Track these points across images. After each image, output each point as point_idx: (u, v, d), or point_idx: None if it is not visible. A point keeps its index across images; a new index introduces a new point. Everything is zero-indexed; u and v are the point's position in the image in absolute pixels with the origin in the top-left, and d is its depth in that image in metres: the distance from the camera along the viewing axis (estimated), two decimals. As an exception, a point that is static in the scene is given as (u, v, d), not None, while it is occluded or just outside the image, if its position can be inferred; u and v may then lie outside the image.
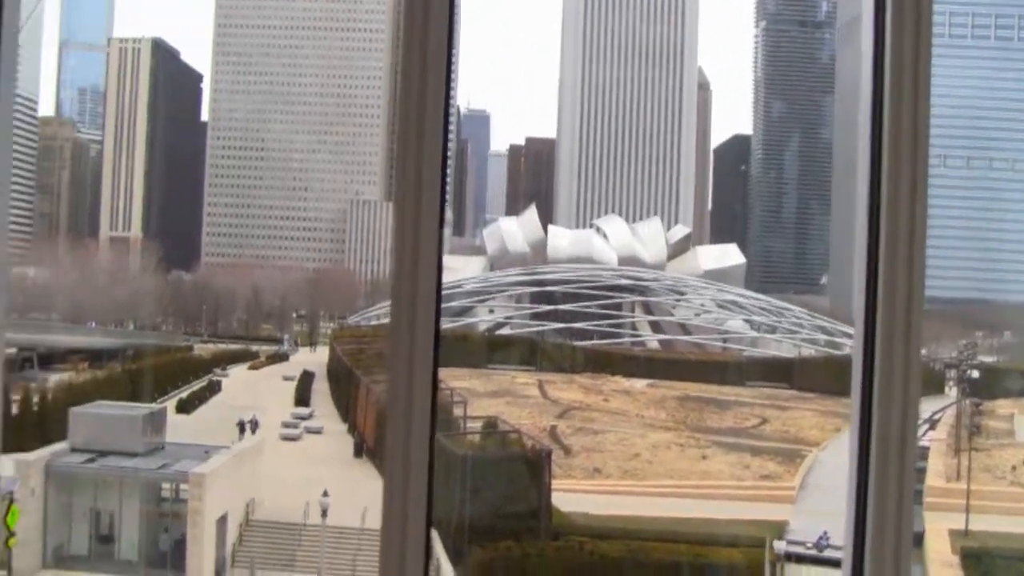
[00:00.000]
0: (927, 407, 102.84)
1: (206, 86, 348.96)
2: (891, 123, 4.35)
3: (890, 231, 4.40)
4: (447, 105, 3.53)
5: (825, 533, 59.38)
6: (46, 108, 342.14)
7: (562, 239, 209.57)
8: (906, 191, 4.36)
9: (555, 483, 63.81)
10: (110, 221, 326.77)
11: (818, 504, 68.36)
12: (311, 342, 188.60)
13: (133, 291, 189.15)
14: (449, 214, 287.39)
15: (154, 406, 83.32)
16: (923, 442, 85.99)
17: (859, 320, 4.71)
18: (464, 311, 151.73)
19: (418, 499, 3.51)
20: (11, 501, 53.98)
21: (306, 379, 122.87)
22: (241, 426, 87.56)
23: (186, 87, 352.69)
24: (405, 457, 3.52)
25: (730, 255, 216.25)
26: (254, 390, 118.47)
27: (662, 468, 79.97)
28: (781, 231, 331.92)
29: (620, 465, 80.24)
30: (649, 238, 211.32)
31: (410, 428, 3.53)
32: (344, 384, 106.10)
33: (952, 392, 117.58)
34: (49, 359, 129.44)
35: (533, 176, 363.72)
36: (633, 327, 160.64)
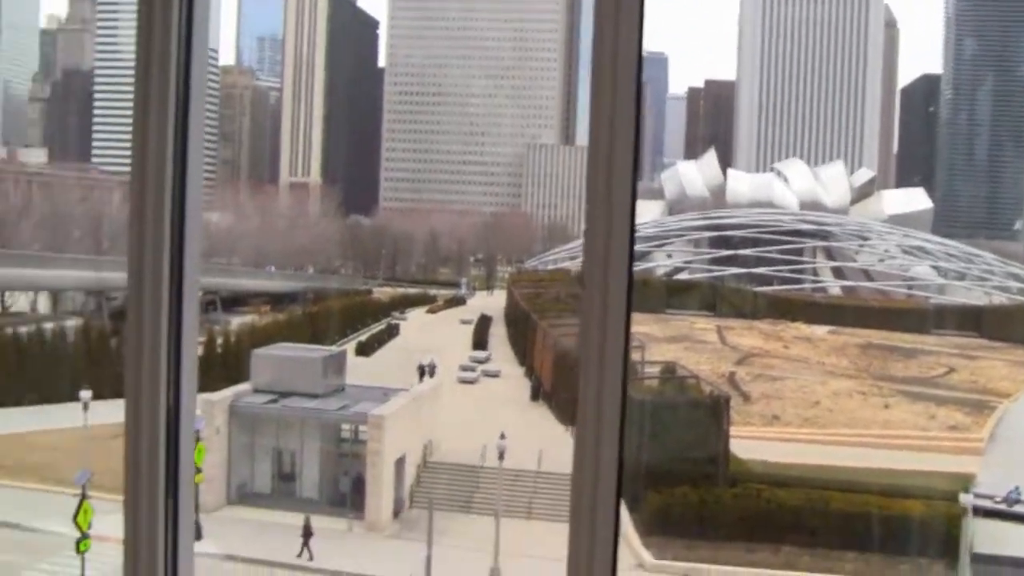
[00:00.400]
0: None
1: (382, 32, 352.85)
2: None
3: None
4: (640, 47, 3.49)
5: (1016, 488, 57.93)
6: (226, 57, 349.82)
7: (741, 183, 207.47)
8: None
9: (733, 430, 63.39)
10: (290, 167, 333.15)
11: (1009, 457, 66.81)
12: (488, 286, 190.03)
13: (313, 236, 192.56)
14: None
15: (334, 348, 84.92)
16: None
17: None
18: (642, 256, 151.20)
19: (610, 446, 3.51)
20: (197, 439, 55.68)
21: (483, 323, 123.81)
22: (421, 370, 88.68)
23: (363, 34, 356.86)
24: (598, 403, 3.51)
25: (916, 199, 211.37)
26: (432, 333, 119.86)
27: (843, 416, 78.85)
28: (971, 174, 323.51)
29: (800, 413, 79.36)
30: (831, 182, 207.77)
31: (603, 374, 3.53)
32: (521, 328, 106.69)
33: None
34: (232, 302, 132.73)
35: (712, 119, 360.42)
36: (814, 273, 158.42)
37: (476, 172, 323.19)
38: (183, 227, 4.05)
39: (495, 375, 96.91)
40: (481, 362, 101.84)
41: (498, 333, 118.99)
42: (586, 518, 3.55)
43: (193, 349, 4.14)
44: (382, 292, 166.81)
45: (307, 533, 55.27)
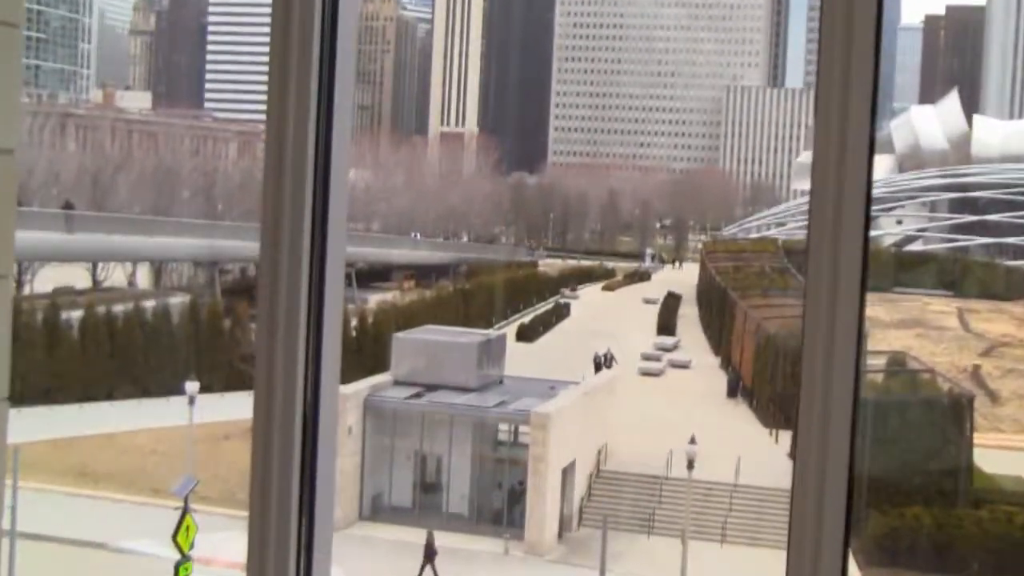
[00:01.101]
0: None
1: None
2: None
3: None
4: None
5: None
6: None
7: (991, 132, 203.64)
8: None
9: (977, 437, 62.55)
10: (441, 114, 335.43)
11: None
12: (677, 258, 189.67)
13: (467, 197, 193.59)
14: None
15: (491, 332, 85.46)
16: None
17: None
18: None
19: (838, 457, 3.47)
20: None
21: (671, 302, 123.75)
22: (596, 360, 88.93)
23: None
24: (824, 405, 3.47)
25: None
26: (609, 315, 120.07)
27: (1119, 423, 77.39)
28: None
29: (1063, 418, 78.06)
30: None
31: (831, 370, 3.49)
32: (717, 309, 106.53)
33: None
34: (369, 276, 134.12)
35: (955, 54, 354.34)
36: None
37: (664, 120, 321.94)
38: (327, 186, 4.06)
39: (684, 366, 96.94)
40: (668, 350, 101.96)
41: (688, 315, 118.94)
42: (808, 547, 3.51)
43: (337, 333, 4.16)
44: (549, 264, 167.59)
45: (429, 553, 55.31)
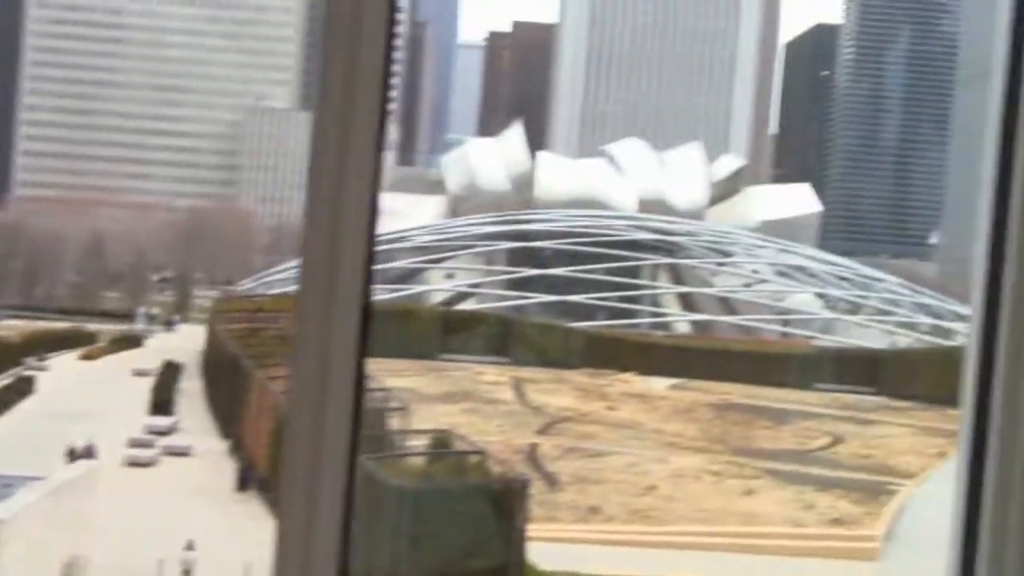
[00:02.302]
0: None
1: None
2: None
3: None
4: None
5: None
6: None
7: (558, 172, 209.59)
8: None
9: (532, 528, 63.92)
10: None
11: (911, 564, 68.69)
12: (179, 319, 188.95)
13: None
14: (394, 133, 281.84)
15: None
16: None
17: (978, 296, 4.73)
18: (410, 276, 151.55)
19: (326, 552, 3.51)
20: None
21: (168, 374, 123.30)
22: (71, 452, 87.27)
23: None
24: (310, 490, 3.45)
25: (799, 200, 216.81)
26: (88, 390, 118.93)
27: (689, 508, 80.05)
28: (875, 167, 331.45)
29: (628, 503, 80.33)
30: (683, 173, 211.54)
31: (320, 446, 3.50)
32: (227, 381, 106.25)
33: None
34: None
35: (521, 78, 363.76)
36: (655, 302, 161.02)
37: (168, 147, 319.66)
38: None
39: (184, 453, 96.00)
40: (163, 433, 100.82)
41: (191, 389, 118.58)
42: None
43: None
44: (10, 327, 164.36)
45: None
